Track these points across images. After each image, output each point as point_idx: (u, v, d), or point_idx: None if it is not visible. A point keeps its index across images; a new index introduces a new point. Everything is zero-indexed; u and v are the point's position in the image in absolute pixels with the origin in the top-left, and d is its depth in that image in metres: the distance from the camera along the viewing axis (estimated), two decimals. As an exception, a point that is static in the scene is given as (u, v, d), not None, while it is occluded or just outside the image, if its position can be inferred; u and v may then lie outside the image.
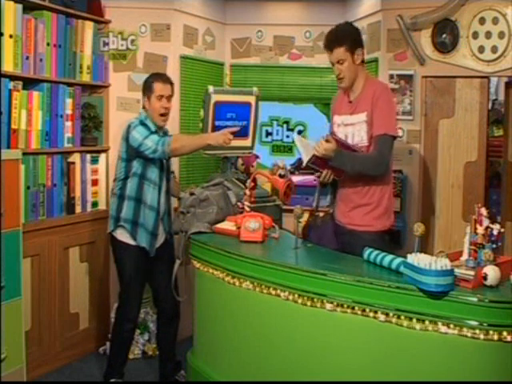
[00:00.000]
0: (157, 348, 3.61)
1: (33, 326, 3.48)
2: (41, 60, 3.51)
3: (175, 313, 3.43)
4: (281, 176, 3.28)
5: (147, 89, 3.32)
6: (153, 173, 3.25)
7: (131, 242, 3.27)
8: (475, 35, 3.80)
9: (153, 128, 3.25)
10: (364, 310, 2.17)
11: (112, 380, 3.35)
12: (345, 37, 2.85)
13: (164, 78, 3.36)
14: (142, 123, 3.22)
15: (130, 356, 3.84)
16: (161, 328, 3.50)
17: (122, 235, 3.29)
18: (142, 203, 3.26)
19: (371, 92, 2.87)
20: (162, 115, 3.30)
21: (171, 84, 3.37)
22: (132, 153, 3.21)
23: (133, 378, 3.57)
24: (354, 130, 2.91)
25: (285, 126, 4.91)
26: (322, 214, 3.12)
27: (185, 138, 3.43)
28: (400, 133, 3.82)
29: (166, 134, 3.38)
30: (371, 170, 2.80)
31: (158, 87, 3.29)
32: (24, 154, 3.25)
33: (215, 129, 3.89)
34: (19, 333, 3.04)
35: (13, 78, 3.30)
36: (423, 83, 3.97)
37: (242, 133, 4.08)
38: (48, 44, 3.55)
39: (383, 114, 2.79)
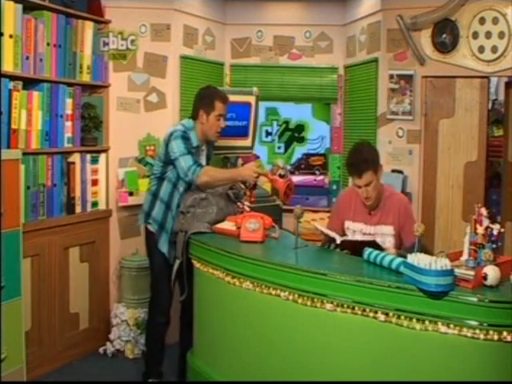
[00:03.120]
0: (179, 345, 3.57)
1: (33, 326, 3.48)
2: (41, 60, 3.51)
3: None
4: (281, 176, 3.27)
5: (207, 105, 3.29)
6: (181, 186, 3.28)
7: None
8: (475, 35, 3.80)
9: (195, 142, 3.27)
10: (364, 310, 2.17)
11: (149, 380, 3.39)
12: (370, 160, 2.91)
13: (225, 98, 3.35)
14: (185, 136, 3.22)
15: (130, 356, 3.86)
16: (183, 326, 3.49)
17: (153, 229, 3.37)
18: (170, 210, 3.31)
19: (396, 207, 2.97)
20: (217, 132, 3.34)
21: (228, 102, 3.39)
22: (169, 158, 3.26)
23: (133, 377, 3.57)
24: (381, 240, 2.90)
25: (285, 126, 4.92)
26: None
27: (215, 173, 3.26)
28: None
29: (213, 146, 3.47)
30: None
31: (219, 107, 3.29)
32: (24, 154, 3.25)
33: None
34: (19, 333, 3.04)
35: (13, 77, 3.29)
36: (423, 83, 3.97)
37: (241, 133, 4.09)
38: (48, 44, 3.55)
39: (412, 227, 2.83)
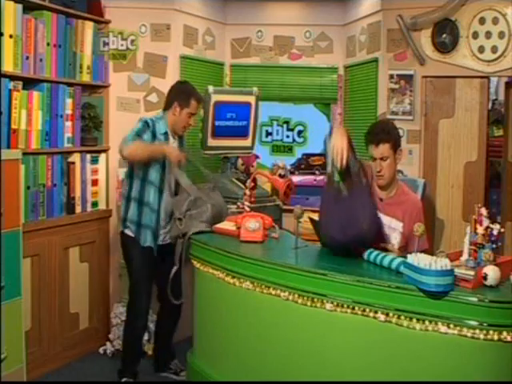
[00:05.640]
0: (154, 336, 3.68)
1: (33, 326, 3.48)
2: (41, 60, 3.51)
3: (177, 310, 3.47)
4: (281, 176, 3.28)
5: (183, 100, 3.33)
6: (152, 175, 3.30)
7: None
8: (475, 35, 3.80)
9: (163, 129, 3.31)
10: (364, 310, 2.17)
11: (123, 379, 3.39)
12: (391, 134, 2.85)
13: (200, 99, 3.44)
14: (147, 123, 3.27)
15: (130, 356, 3.86)
16: (160, 319, 3.57)
17: (131, 232, 3.38)
18: (145, 205, 3.32)
19: (409, 207, 2.86)
20: (184, 127, 3.40)
21: (202, 103, 3.51)
22: None
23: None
24: (388, 233, 2.83)
25: (285, 125, 4.92)
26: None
27: (141, 144, 3.25)
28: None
29: (182, 141, 3.50)
30: None
31: (194, 105, 3.36)
32: (24, 154, 3.25)
33: (215, 129, 3.91)
34: (19, 333, 3.04)
35: (13, 77, 3.29)
36: (423, 83, 3.97)
37: (241, 133, 4.09)
38: (48, 44, 3.55)
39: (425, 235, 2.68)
